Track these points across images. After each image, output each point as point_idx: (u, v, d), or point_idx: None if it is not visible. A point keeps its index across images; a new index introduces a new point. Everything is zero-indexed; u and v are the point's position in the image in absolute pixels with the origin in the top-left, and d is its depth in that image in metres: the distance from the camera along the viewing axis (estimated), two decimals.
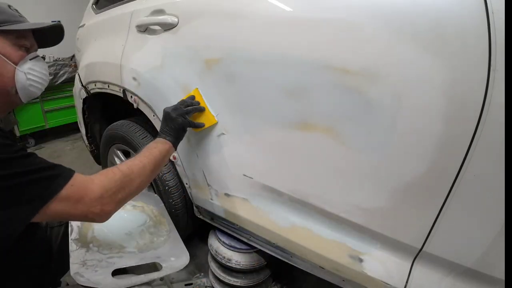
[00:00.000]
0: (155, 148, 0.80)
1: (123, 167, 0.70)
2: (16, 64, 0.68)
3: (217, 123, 0.90)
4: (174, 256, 0.87)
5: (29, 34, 0.73)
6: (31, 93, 0.74)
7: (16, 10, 0.72)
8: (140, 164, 0.73)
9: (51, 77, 3.12)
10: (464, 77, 0.52)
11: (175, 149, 0.87)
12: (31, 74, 0.71)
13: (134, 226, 0.95)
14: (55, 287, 0.95)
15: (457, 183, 0.56)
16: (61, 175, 0.59)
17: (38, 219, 0.57)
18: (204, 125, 0.91)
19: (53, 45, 0.83)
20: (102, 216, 0.65)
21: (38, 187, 0.56)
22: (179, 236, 0.95)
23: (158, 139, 0.84)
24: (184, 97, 0.93)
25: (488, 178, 0.54)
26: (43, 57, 3.55)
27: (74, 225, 0.88)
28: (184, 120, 0.87)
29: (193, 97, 0.91)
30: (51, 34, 0.79)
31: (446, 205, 0.59)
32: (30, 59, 0.72)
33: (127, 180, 0.68)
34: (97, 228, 0.90)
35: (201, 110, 0.90)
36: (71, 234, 0.85)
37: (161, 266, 0.83)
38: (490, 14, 0.48)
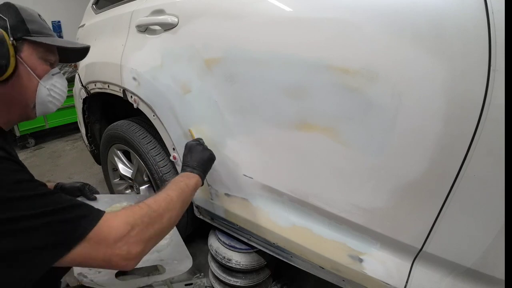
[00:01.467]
0: (182, 182, 0.74)
1: (150, 201, 0.63)
2: (40, 78, 0.66)
3: None
4: (177, 259, 0.87)
5: (55, 49, 0.71)
6: (48, 110, 0.72)
7: (45, 21, 0.71)
8: (168, 198, 0.67)
9: None
10: (464, 77, 0.52)
11: (203, 183, 0.82)
12: (53, 90, 0.70)
13: None
14: None
15: (457, 183, 0.56)
16: (88, 216, 0.53)
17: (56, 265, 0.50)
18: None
19: (74, 62, 0.83)
20: (129, 260, 0.55)
21: (63, 229, 0.49)
22: (181, 239, 0.95)
23: (185, 173, 0.79)
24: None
25: (488, 178, 0.54)
26: None
27: None
28: (211, 151, 0.86)
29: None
30: (74, 53, 0.78)
31: (446, 205, 0.59)
32: (53, 74, 0.70)
33: (156, 216, 0.61)
34: None
35: None
36: None
37: (163, 268, 0.83)
38: (490, 14, 0.48)
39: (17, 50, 0.62)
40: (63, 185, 0.97)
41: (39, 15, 0.70)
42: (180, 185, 0.73)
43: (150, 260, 0.84)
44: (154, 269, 0.91)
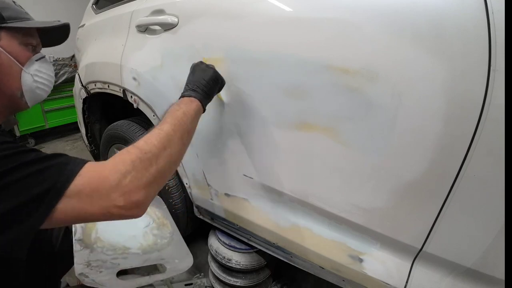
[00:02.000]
0: (177, 111, 0.66)
1: (140, 142, 0.56)
2: (23, 65, 0.64)
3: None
4: (178, 258, 0.87)
5: (35, 32, 0.69)
6: (38, 96, 0.69)
7: (20, 6, 0.69)
8: (161, 133, 0.59)
9: None
10: (464, 77, 0.52)
11: (204, 109, 0.72)
12: (38, 76, 0.67)
13: (138, 227, 0.95)
14: None
15: (457, 183, 0.56)
16: (70, 162, 0.49)
17: (47, 225, 0.47)
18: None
19: (56, 45, 0.79)
20: (132, 209, 0.51)
21: (44, 178, 0.46)
22: (182, 238, 0.95)
23: (182, 99, 0.71)
24: None
25: (488, 178, 0.54)
26: None
27: (78, 225, 0.88)
28: (216, 71, 0.75)
29: None
30: (56, 33, 0.75)
31: (446, 205, 0.59)
32: (36, 60, 0.67)
33: (149, 157, 0.54)
34: (101, 229, 0.91)
35: None
36: (74, 234, 0.85)
37: (164, 267, 0.83)
38: (490, 14, 0.48)
39: None
40: None
41: (14, 1, 0.68)
42: (177, 114, 0.65)
43: (150, 259, 0.84)
44: (154, 269, 0.91)
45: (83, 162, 0.50)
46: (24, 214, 0.44)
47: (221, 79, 0.77)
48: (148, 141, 0.57)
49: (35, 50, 0.68)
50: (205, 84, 0.73)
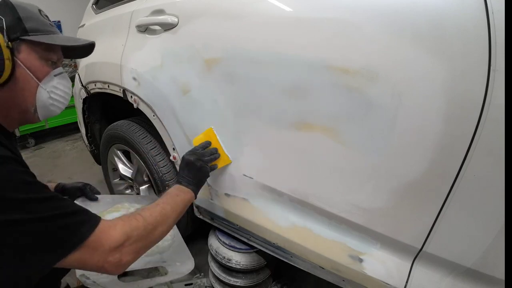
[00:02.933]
0: (177, 197, 0.74)
1: (146, 213, 0.64)
2: (40, 80, 0.62)
3: (231, 162, 0.90)
4: (180, 261, 0.87)
5: (58, 47, 0.67)
6: (52, 113, 0.68)
7: (47, 17, 0.66)
8: (163, 211, 0.67)
9: None
10: (464, 77, 0.52)
11: (195, 198, 0.82)
12: (54, 93, 0.65)
13: None
14: None
15: (457, 183, 0.56)
16: (87, 222, 0.54)
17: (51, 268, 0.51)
18: (217, 167, 0.90)
19: (79, 58, 0.80)
20: (119, 268, 0.57)
21: (63, 234, 0.51)
22: (183, 241, 0.95)
23: (180, 187, 0.79)
24: (198, 137, 0.92)
25: (488, 178, 0.54)
26: None
27: None
28: (208, 168, 0.85)
29: (209, 143, 0.90)
30: (79, 50, 0.74)
31: (446, 205, 0.59)
32: (55, 75, 0.65)
33: (150, 229, 0.62)
34: None
35: (218, 157, 0.90)
36: None
37: (165, 270, 0.83)
38: (490, 14, 0.48)
39: (14, 52, 0.57)
40: (64, 185, 0.96)
41: (40, 11, 0.65)
42: (176, 199, 0.73)
43: (152, 262, 0.84)
44: (154, 269, 0.91)
45: (97, 222, 0.55)
46: (37, 260, 0.49)
47: (209, 175, 0.87)
48: (152, 215, 0.64)
49: (55, 64, 0.67)
50: (200, 180, 0.83)
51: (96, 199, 0.97)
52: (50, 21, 0.67)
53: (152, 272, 0.90)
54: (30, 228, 0.48)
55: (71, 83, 0.71)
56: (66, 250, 0.51)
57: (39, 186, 0.52)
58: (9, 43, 0.56)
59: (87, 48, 0.76)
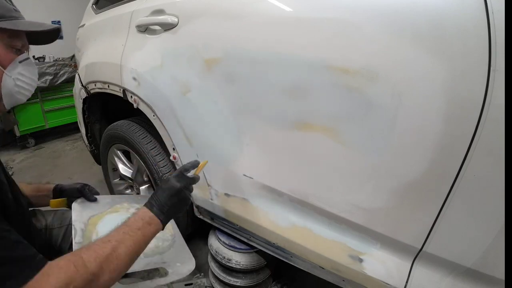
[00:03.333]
0: (138, 231, 0.62)
1: (90, 256, 0.53)
2: (4, 68, 0.60)
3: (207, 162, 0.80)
4: (180, 262, 0.86)
5: (23, 33, 0.64)
6: (17, 100, 0.65)
7: (11, 2, 0.64)
8: (114, 255, 0.56)
9: (51, 77, 3.12)
10: (464, 77, 0.52)
11: (162, 229, 0.68)
12: (20, 80, 0.63)
13: None
14: None
15: (457, 183, 0.56)
16: (16, 275, 0.47)
17: None
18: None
19: (45, 44, 0.74)
20: None
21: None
22: (184, 241, 0.94)
23: (150, 216, 0.65)
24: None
25: (488, 178, 0.54)
26: (43, 58, 3.57)
27: (78, 227, 0.87)
28: (189, 199, 0.73)
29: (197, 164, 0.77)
30: (44, 35, 0.71)
31: (446, 205, 0.59)
32: (20, 62, 0.63)
33: (91, 278, 0.52)
34: (101, 231, 0.90)
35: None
36: (74, 237, 0.84)
37: (166, 270, 0.83)
38: (490, 14, 0.48)
39: None
40: (63, 186, 0.96)
41: None
42: (137, 234, 0.61)
43: (152, 263, 0.84)
44: (154, 270, 0.90)
45: (27, 279, 0.48)
46: None
47: (188, 206, 0.75)
48: (97, 260, 0.54)
49: (19, 51, 0.64)
50: (175, 211, 0.70)
51: (95, 200, 0.97)
52: (14, 6, 0.64)
53: (152, 273, 0.89)
54: None
55: (37, 69, 0.69)
56: None
57: None
58: None
59: (52, 34, 0.71)
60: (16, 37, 0.62)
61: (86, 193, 0.96)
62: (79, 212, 0.88)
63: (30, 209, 0.88)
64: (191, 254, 0.89)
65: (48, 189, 0.94)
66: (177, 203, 0.69)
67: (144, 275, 0.87)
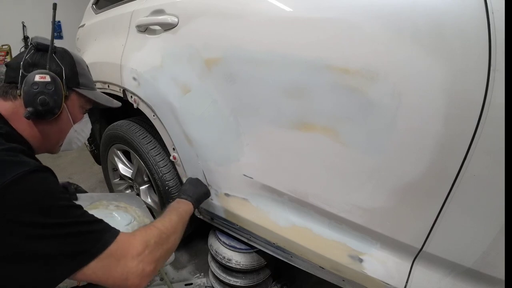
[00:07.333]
0: (180, 208, 0.81)
1: (158, 224, 0.69)
2: (74, 123, 0.74)
3: None
4: None
5: (93, 100, 0.78)
6: (71, 148, 0.79)
7: (90, 72, 0.79)
8: (172, 221, 0.73)
9: None
10: (464, 77, 0.52)
11: (195, 209, 0.89)
12: (80, 134, 0.78)
13: (121, 225, 0.95)
14: None
15: (457, 183, 0.56)
16: (110, 230, 0.57)
17: (72, 277, 0.52)
18: None
19: (99, 109, 0.87)
20: (143, 279, 0.58)
21: (87, 240, 0.52)
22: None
23: (180, 200, 0.86)
24: None
25: (488, 178, 0.54)
26: None
27: None
28: (208, 188, 0.96)
29: None
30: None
31: (446, 205, 0.59)
32: (83, 120, 0.78)
33: (165, 237, 0.66)
34: None
35: None
36: None
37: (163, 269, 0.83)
38: (490, 14, 0.48)
39: (65, 99, 0.69)
40: None
41: (87, 67, 0.79)
42: (179, 210, 0.80)
43: None
44: None
45: (118, 231, 0.58)
46: (56, 264, 0.49)
47: (209, 194, 0.98)
48: (164, 225, 0.69)
49: (85, 111, 0.80)
50: (200, 196, 0.92)
51: (76, 199, 1.00)
52: (91, 77, 0.80)
53: None
54: (61, 231, 0.49)
55: (91, 126, 0.84)
56: (90, 255, 0.51)
57: (68, 196, 0.56)
58: (66, 92, 0.69)
59: (114, 108, 0.89)
60: (89, 103, 0.78)
61: (70, 190, 1.00)
62: None
63: None
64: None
65: None
66: (196, 189, 0.93)
67: None
